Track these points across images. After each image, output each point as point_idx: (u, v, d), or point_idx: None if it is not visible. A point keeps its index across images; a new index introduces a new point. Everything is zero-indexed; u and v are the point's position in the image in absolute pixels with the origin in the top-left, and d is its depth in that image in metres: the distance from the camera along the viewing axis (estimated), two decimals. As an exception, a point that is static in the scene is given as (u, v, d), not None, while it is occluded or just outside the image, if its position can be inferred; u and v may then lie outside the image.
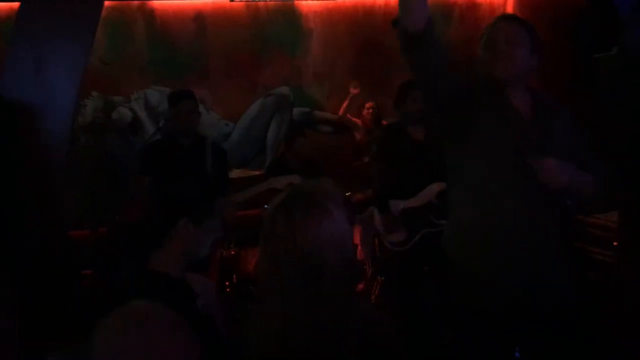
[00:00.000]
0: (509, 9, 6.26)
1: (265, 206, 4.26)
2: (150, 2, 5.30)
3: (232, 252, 3.95)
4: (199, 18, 5.43)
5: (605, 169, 2.02)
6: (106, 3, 3.36)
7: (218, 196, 3.23)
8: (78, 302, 3.64)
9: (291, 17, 5.66)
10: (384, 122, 5.33)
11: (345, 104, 5.57)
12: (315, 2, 5.68)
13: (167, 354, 1.09)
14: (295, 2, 5.63)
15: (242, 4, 5.44)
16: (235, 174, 5.30)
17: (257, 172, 5.52)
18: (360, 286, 4.13)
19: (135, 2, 5.24)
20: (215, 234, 1.75)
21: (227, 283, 3.86)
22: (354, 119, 5.59)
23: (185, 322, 1.16)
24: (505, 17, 2.08)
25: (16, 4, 3.07)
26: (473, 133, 1.99)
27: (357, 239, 4.54)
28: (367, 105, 5.47)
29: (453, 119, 2.01)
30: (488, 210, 1.98)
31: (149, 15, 5.30)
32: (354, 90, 5.49)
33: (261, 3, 5.48)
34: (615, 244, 3.40)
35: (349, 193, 4.93)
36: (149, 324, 1.12)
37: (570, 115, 2.06)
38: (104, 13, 3.36)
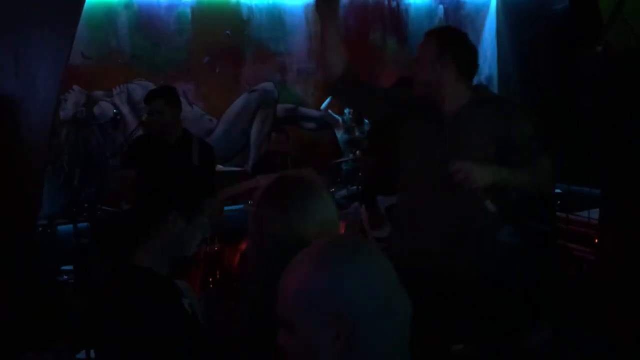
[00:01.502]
0: (492, 7, 6.30)
1: (250, 202, 4.26)
2: (133, -4, 5.24)
3: (216, 248, 3.92)
4: (183, 13, 5.38)
5: (545, 160, 2.19)
6: (88, -4, 3.35)
7: (207, 194, 3.21)
8: (58, 299, 3.59)
9: (275, 13, 5.64)
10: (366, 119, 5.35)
11: (329, 99, 5.58)
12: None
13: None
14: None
15: (226, -2, 5.40)
16: (218, 169, 5.28)
17: (239, 169, 5.50)
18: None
19: (118, -5, 5.18)
20: (205, 232, 1.71)
21: (210, 279, 3.84)
22: (335, 116, 5.61)
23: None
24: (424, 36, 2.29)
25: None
26: (404, 137, 2.31)
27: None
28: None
29: (393, 127, 2.35)
30: (412, 202, 2.27)
31: (132, 9, 5.24)
32: None
33: (246, -1, 5.45)
34: (596, 241, 3.45)
35: (332, 189, 4.94)
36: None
37: (511, 111, 2.20)
38: (86, 6, 3.30)
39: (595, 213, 3.48)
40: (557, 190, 3.75)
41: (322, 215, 1.36)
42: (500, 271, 2.32)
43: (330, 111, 5.61)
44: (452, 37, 2.21)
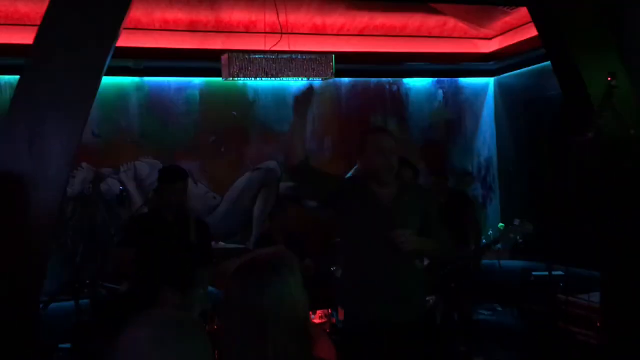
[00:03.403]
0: (490, 93, 6.54)
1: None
2: (145, 79, 5.47)
3: (215, 327, 3.89)
4: (192, 94, 5.60)
5: (445, 235, 2.87)
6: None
7: (201, 268, 3.24)
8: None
9: (280, 95, 5.85)
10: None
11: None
12: (303, 82, 5.89)
13: None
14: (285, 81, 5.83)
15: (234, 82, 5.62)
16: (220, 246, 5.31)
17: (242, 246, 5.53)
18: None
19: (131, 77, 5.41)
20: (202, 306, 1.75)
21: None
22: None
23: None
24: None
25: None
26: (349, 217, 2.83)
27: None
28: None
29: (335, 209, 2.87)
30: (361, 269, 2.78)
31: (144, 90, 5.46)
32: None
33: (252, 82, 5.67)
34: (598, 324, 3.42)
35: (334, 268, 4.94)
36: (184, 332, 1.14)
37: (427, 200, 2.91)
38: (99, 87, 3.46)
39: (595, 296, 3.48)
40: (558, 273, 3.76)
41: (280, 294, 1.45)
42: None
43: None
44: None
